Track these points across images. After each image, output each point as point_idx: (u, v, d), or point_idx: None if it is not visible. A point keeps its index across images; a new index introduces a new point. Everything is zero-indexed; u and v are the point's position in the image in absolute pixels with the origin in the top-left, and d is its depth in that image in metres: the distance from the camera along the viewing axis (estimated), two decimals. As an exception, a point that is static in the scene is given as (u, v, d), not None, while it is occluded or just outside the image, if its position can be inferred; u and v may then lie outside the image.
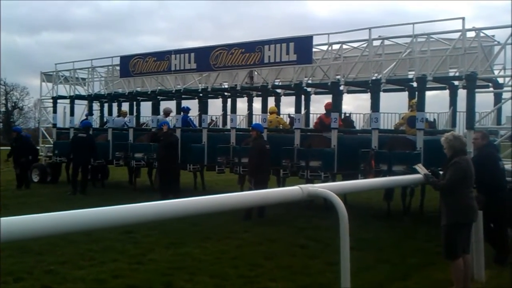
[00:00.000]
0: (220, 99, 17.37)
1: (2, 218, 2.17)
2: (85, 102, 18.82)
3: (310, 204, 11.81)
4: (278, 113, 15.34)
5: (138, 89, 16.96)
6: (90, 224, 2.69)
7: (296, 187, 3.87)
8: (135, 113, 17.79)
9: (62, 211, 2.52)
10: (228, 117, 15.62)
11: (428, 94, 12.46)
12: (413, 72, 12.03)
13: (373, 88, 11.86)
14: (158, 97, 16.47)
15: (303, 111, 13.90)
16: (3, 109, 71.11)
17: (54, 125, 18.88)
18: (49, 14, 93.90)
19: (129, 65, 16.13)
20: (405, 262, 7.25)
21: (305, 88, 14.00)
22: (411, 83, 12.41)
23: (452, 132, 6.26)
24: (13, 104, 72.36)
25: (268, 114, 13.61)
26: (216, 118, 17.85)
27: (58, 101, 18.94)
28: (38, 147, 18.82)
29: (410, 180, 6.70)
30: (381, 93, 12.14)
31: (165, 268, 6.61)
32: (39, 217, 2.43)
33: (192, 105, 16.99)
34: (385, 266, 7.00)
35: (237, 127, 14.50)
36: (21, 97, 72.97)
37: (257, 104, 16.03)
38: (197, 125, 16.50)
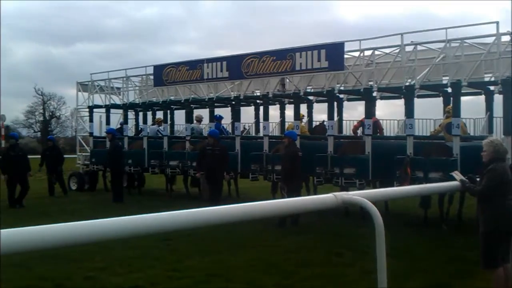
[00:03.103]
0: (253, 107, 17.45)
1: (47, 225, 2.24)
2: (120, 111, 19.17)
3: (345, 212, 11.74)
4: (311, 120, 15.36)
5: (172, 97, 17.19)
6: (128, 231, 2.72)
7: (330, 195, 3.86)
8: (169, 121, 18.02)
9: (101, 219, 2.58)
10: (261, 125, 15.68)
11: (463, 99, 12.28)
12: (447, 78, 11.85)
13: (407, 94, 11.74)
14: (191, 105, 16.68)
15: (335, 118, 13.85)
16: (41, 119, 72.88)
17: (91, 134, 19.29)
18: (83, 25, 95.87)
19: (162, 74, 16.38)
20: (444, 271, 7.13)
21: (337, 94, 13.95)
22: (446, 89, 12.24)
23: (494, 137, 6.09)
24: (50, 114, 74.07)
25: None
26: (249, 126, 17.93)
27: (94, 110, 19.36)
28: (75, 156, 19.27)
29: (447, 187, 6.58)
30: (415, 99, 12.02)
31: (201, 275, 6.68)
32: (77, 224, 2.48)
33: (225, 113, 17.13)
34: (423, 275, 6.90)
35: (270, 134, 14.55)
36: (58, 106, 74.66)
37: (289, 111, 16.06)
38: (230, 133, 16.61)
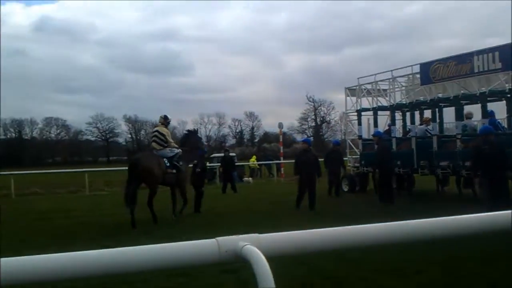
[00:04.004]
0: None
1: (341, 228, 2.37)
2: (387, 112, 19.26)
3: None
4: None
5: (440, 95, 16.58)
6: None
7: None
8: (437, 120, 17.40)
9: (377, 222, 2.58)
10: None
11: None
12: None
13: None
14: (461, 101, 15.81)
15: None
16: (313, 124, 77.70)
17: (360, 137, 19.84)
18: (348, 31, 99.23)
19: (429, 71, 15.94)
20: None
21: None
22: None
23: None
24: (321, 119, 78.46)
25: None
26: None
27: (362, 113, 19.87)
28: (345, 158, 20.02)
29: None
30: None
31: None
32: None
33: (498, 107, 15.75)
34: None
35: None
36: (328, 111, 78.78)
37: None
38: (506, 128, 15.21)
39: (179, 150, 13.05)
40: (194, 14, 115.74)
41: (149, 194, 12.16)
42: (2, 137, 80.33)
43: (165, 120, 13.41)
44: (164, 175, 12.34)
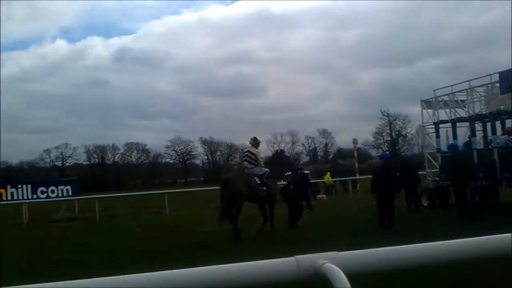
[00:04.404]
0: None
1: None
2: (467, 124, 18.57)
3: None
4: None
5: (522, 103, 15.82)
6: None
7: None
8: (520, 130, 16.58)
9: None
10: None
11: None
12: None
13: None
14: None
15: None
16: (388, 138, 76.17)
17: (438, 150, 19.23)
18: (421, 43, 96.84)
19: (509, 80, 15.27)
20: None
21: None
22: None
23: None
24: (396, 133, 76.78)
25: None
26: None
27: (440, 125, 19.28)
28: (424, 172, 19.46)
29: None
30: None
31: None
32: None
33: None
34: None
35: None
36: (404, 125, 76.97)
37: None
38: None
39: (267, 169, 13.88)
40: (265, 36, 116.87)
41: (235, 211, 12.75)
42: (86, 162, 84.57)
43: (254, 142, 14.26)
44: (254, 192, 13.13)
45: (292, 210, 14.53)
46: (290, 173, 14.94)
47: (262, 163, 14.16)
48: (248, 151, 14.17)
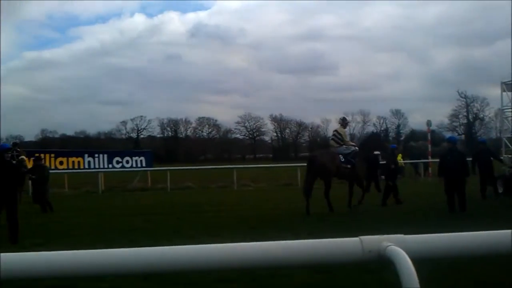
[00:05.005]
0: None
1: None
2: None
3: None
4: None
5: None
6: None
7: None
8: None
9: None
10: None
11: None
12: None
13: None
14: None
15: None
16: (464, 121, 73.31)
17: (518, 135, 18.34)
18: (502, 22, 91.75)
19: None
20: None
21: None
22: None
23: None
24: (474, 116, 73.75)
25: None
26: None
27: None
28: (502, 157, 18.57)
29: None
30: None
31: None
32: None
33: None
34: None
35: None
36: (482, 108, 73.75)
37: None
38: None
39: (355, 148, 14.41)
40: (340, 12, 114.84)
41: (325, 186, 13.68)
42: (160, 135, 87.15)
43: (343, 121, 15.09)
44: (339, 169, 13.75)
45: (386, 188, 15.53)
46: (378, 152, 16.19)
47: (349, 142, 14.79)
48: (336, 130, 14.84)
